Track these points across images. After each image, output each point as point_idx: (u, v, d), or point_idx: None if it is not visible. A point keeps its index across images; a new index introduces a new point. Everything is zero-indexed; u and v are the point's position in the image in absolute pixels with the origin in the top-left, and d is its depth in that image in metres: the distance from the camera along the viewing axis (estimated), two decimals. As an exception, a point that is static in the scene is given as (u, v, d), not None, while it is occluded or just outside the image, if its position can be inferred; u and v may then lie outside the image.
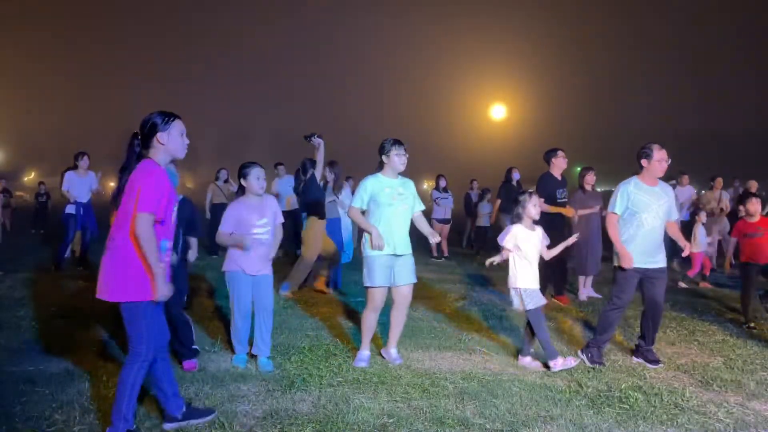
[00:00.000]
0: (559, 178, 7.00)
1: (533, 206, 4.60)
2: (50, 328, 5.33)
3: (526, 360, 4.66)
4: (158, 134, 3.13)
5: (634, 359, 4.81)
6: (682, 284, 8.49)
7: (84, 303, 6.27)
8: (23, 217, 17.64)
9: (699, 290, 8.25)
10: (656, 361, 4.67)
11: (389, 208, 4.48)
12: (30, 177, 58.58)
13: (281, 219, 4.60)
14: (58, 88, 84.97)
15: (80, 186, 8.69)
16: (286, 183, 11.44)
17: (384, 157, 4.56)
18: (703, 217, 9.08)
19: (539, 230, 4.68)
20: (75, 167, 8.74)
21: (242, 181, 4.44)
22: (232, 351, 4.59)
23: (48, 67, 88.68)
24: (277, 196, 10.69)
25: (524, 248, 4.58)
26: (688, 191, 11.20)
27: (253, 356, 4.49)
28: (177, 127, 3.17)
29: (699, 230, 8.90)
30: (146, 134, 3.15)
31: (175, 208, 3.25)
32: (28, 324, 5.42)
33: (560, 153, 7.01)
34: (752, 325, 5.95)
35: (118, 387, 3.06)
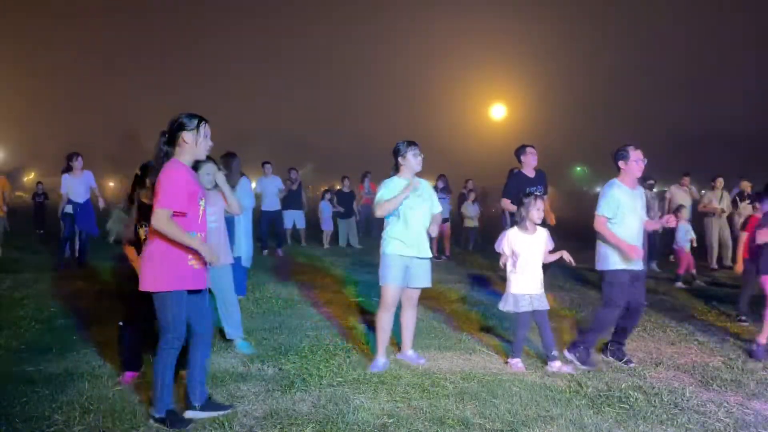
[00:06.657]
0: (532, 175, 6.63)
1: (536, 210, 4.51)
2: (50, 328, 5.33)
3: (555, 365, 4.49)
4: (184, 132, 3.28)
5: (602, 357, 4.80)
6: (679, 284, 8.51)
7: (84, 303, 6.28)
8: (22, 217, 17.60)
9: (698, 290, 8.24)
10: (629, 360, 4.68)
11: (411, 211, 4.45)
12: (30, 177, 58.49)
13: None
14: (59, 88, 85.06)
15: (77, 186, 8.68)
16: (270, 182, 11.55)
17: (400, 159, 4.52)
18: (684, 214, 9.00)
19: (542, 233, 4.60)
20: (69, 168, 8.72)
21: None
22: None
23: (49, 68, 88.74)
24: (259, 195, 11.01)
25: (522, 252, 4.52)
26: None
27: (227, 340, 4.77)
28: (203, 128, 3.35)
29: (680, 228, 8.82)
30: (173, 131, 3.30)
31: (202, 203, 3.36)
32: (28, 324, 5.42)
33: (529, 150, 6.66)
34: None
35: (153, 372, 3.32)
